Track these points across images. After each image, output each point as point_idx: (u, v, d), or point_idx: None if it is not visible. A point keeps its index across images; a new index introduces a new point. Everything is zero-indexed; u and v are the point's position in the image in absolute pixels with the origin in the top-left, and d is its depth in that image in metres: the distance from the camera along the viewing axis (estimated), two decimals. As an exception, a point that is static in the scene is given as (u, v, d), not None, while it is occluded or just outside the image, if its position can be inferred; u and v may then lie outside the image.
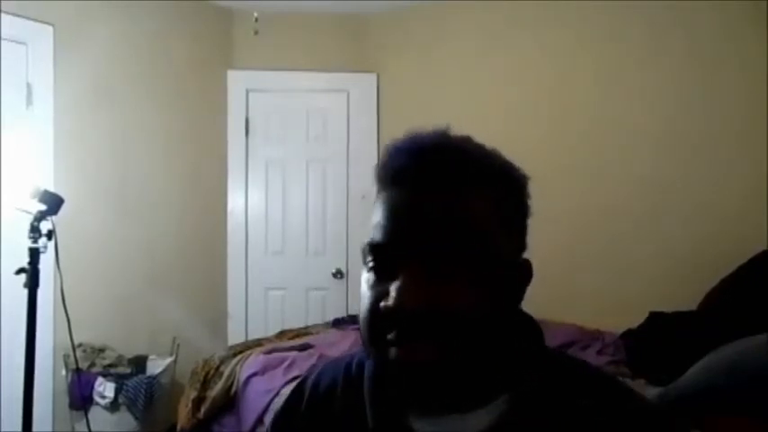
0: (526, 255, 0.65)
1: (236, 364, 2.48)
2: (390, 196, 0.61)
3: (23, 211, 2.02)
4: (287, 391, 2.26)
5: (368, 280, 0.62)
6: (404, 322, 0.56)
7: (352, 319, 3.08)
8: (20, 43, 2.66)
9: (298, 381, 0.82)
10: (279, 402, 2.25)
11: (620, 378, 2.21)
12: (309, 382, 0.78)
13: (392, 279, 0.58)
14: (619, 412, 0.60)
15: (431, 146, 0.61)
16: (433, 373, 0.57)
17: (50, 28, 2.75)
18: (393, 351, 0.58)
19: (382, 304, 0.57)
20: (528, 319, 0.69)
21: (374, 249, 0.61)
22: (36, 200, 1.99)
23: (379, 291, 0.59)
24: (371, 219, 0.62)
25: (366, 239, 0.61)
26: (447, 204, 0.58)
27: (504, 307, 0.61)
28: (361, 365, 0.73)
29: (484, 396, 0.62)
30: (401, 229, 0.59)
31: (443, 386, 0.58)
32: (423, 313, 0.56)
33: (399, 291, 0.56)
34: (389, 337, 0.58)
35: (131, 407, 2.63)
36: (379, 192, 0.63)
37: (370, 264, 0.61)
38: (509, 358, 0.63)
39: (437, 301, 0.56)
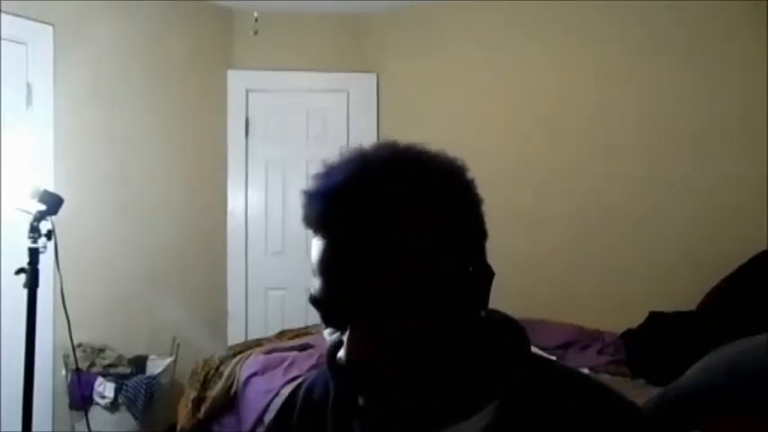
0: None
1: (236, 364, 2.48)
2: (316, 245, 0.59)
3: (23, 211, 2.02)
4: (287, 391, 2.26)
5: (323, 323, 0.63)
6: (360, 377, 0.57)
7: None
8: (20, 43, 2.66)
9: (290, 390, 0.81)
10: (279, 402, 2.25)
11: (620, 378, 2.21)
12: (302, 391, 0.78)
13: (341, 327, 0.58)
14: (608, 418, 0.59)
15: (342, 184, 0.57)
16: (401, 410, 0.58)
17: (50, 28, 2.75)
18: (360, 399, 0.59)
19: (338, 356, 0.58)
20: (510, 324, 0.67)
21: (315, 304, 0.60)
22: (36, 200, 1.99)
23: (334, 340, 0.60)
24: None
25: (310, 288, 0.61)
26: (369, 253, 0.55)
27: (461, 323, 0.59)
28: None
29: (468, 407, 0.61)
30: (333, 286, 0.58)
31: (416, 414, 0.59)
32: (374, 367, 0.56)
33: (348, 349, 0.57)
34: (352, 385, 0.59)
35: (131, 407, 2.63)
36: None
37: (319, 314, 0.61)
38: (488, 368, 0.62)
39: (385, 353, 0.56)
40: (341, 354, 0.57)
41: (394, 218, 0.56)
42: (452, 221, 0.59)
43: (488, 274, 0.62)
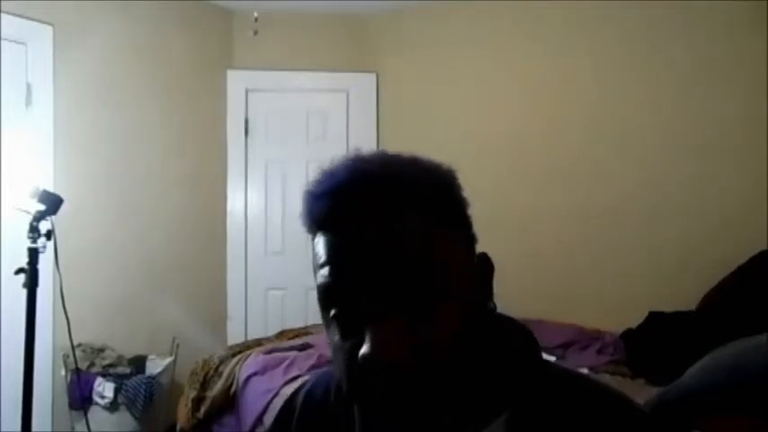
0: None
1: (236, 365, 2.48)
2: (331, 243, 0.57)
3: (23, 210, 2.02)
4: (287, 391, 2.27)
5: (331, 327, 0.59)
6: (388, 374, 0.54)
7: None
8: (20, 43, 2.66)
9: (289, 393, 0.80)
10: (278, 402, 2.25)
11: (620, 378, 2.21)
12: (301, 395, 0.77)
13: (360, 326, 0.55)
14: (618, 428, 0.59)
15: (350, 181, 0.58)
16: (422, 414, 0.56)
17: (50, 28, 2.75)
18: (378, 400, 0.56)
19: (360, 355, 0.54)
20: (519, 329, 0.66)
21: (334, 302, 0.57)
22: (35, 200, 1.99)
23: (352, 342, 0.56)
24: (314, 264, 0.59)
25: (320, 287, 0.58)
26: (394, 243, 0.55)
27: (479, 314, 0.60)
28: None
29: (480, 419, 0.60)
30: (360, 279, 0.55)
31: (435, 422, 0.57)
32: (405, 362, 0.54)
33: (375, 343, 0.53)
34: (373, 387, 0.55)
35: (131, 407, 2.63)
36: (314, 238, 0.60)
37: (333, 313, 0.58)
38: (500, 376, 0.61)
39: (417, 346, 0.54)
40: (364, 350, 0.54)
41: (406, 209, 0.56)
42: (453, 214, 0.61)
43: (490, 266, 0.64)
